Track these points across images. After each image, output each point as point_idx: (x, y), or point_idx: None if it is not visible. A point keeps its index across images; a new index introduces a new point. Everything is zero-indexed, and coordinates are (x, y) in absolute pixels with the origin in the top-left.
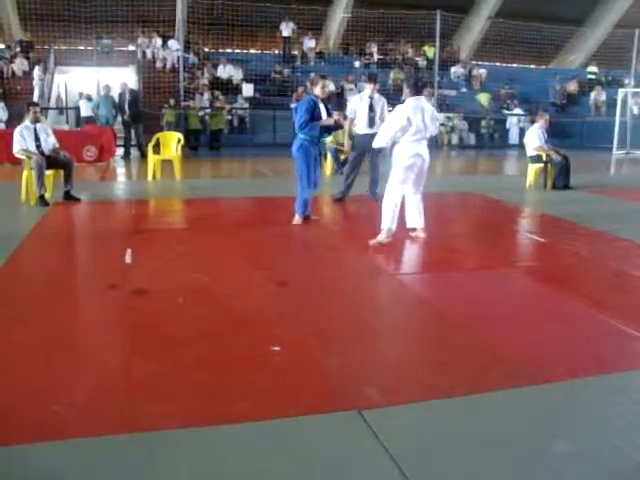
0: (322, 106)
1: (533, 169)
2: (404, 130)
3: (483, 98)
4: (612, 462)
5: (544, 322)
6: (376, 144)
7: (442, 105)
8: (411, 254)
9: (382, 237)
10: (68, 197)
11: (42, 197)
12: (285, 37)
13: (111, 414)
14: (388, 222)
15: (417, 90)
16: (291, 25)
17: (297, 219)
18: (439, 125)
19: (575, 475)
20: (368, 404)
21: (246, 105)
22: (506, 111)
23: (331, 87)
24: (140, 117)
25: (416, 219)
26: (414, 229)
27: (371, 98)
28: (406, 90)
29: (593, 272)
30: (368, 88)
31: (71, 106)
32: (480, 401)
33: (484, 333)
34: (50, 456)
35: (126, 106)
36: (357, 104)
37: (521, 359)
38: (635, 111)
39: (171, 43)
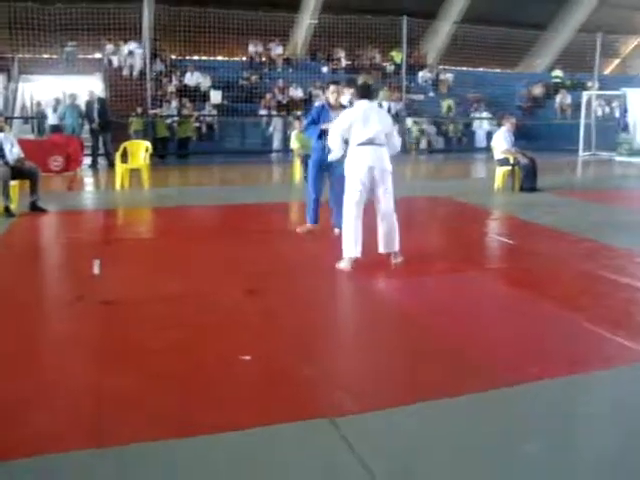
0: (334, 114)
1: (501, 172)
2: (348, 135)
3: (447, 103)
4: (583, 461)
5: (514, 324)
6: (331, 157)
7: (410, 109)
8: (380, 259)
9: (343, 264)
10: (34, 208)
11: (7, 208)
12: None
13: (79, 429)
14: (347, 249)
15: (363, 94)
16: (259, 45)
17: (305, 226)
18: (396, 133)
19: (546, 475)
20: (340, 411)
21: (214, 112)
22: (474, 115)
23: (345, 96)
24: (108, 126)
25: (382, 243)
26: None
27: (351, 102)
28: (354, 93)
29: (561, 273)
30: (348, 92)
31: (36, 115)
32: (452, 405)
33: (454, 336)
34: (17, 474)
35: (95, 114)
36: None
37: (491, 362)
38: (599, 113)
39: (135, 50)
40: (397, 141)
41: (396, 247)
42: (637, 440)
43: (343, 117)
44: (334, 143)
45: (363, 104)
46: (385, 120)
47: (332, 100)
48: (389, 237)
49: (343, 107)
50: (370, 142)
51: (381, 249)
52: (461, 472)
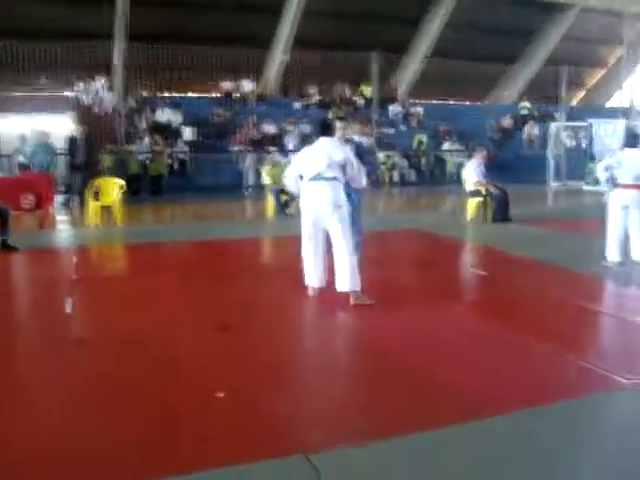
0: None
1: (473, 203)
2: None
3: (418, 138)
4: None
5: (487, 355)
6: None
7: (381, 143)
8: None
9: (310, 293)
10: (5, 246)
11: None
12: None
13: (51, 473)
14: (306, 278)
15: (321, 130)
16: (231, 81)
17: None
18: (357, 165)
19: None
20: (314, 447)
21: (186, 149)
22: (445, 147)
23: (354, 134)
24: (86, 163)
25: (337, 281)
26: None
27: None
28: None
29: (534, 302)
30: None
31: (5, 153)
32: (425, 439)
33: (428, 369)
34: None
35: (81, 151)
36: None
37: (465, 394)
38: (568, 144)
39: (105, 87)
40: (359, 173)
41: (351, 286)
42: (610, 467)
43: (297, 155)
44: (288, 181)
45: (321, 141)
46: (336, 153)
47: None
48: (342, 276)
49: (349, 141)
50: (317, 177)
51: (337, 287)
52: None
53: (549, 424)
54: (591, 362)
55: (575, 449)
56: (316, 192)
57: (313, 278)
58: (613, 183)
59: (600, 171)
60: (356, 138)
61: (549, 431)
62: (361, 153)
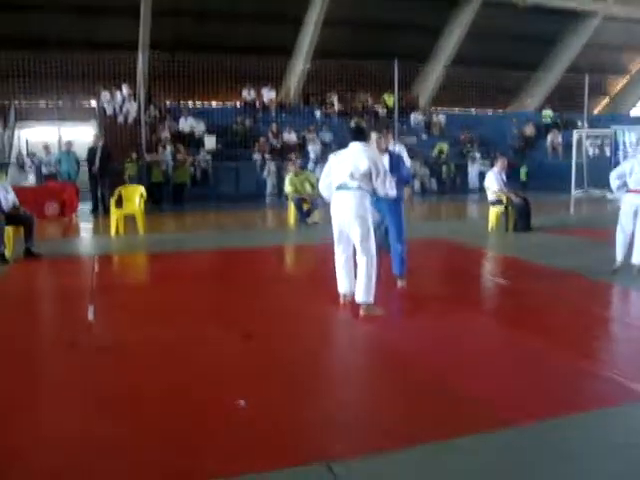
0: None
1: (494, 212)
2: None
3: (439, 147)
4: None
5: (509, 365)
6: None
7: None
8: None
9: (341, 300)
10: (29, 254)
11: (2, 255)
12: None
13: (75, 477)
14: (338, 285)
15: (353, 135)
16: (253, 90)
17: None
18: (383, 173)
19: None
20: (336, 456)
21: (208, 157)
22: (468, 156)
23: (391, 143)
24: (108, 172)
25: (343, 283)
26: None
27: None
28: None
29: (555, 312)
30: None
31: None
32: (446, 448)
33: (451, 378)
34: None
35: (97, 160)
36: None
37: (486, 403)
38: (590, 152)
39: (129, 97)
40: (383, 183)
41: (363, 299)
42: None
43: (329, 161)
44: (321, 188)
45: (351, 147)
46: (361, 161)
47: (377, 147)
48: (358, 287)
49: (388, 152)
50: (341, 187)
51: (355, 298)
52: None
53: (573, 435)
54: (613, 372)
55: (596, 461)
56: (340, 201)
57: (343, 285)
58: (626, 189)
59: (612, 179)
60: (391, 147)
61: (570, 442)
62: (398, 163)
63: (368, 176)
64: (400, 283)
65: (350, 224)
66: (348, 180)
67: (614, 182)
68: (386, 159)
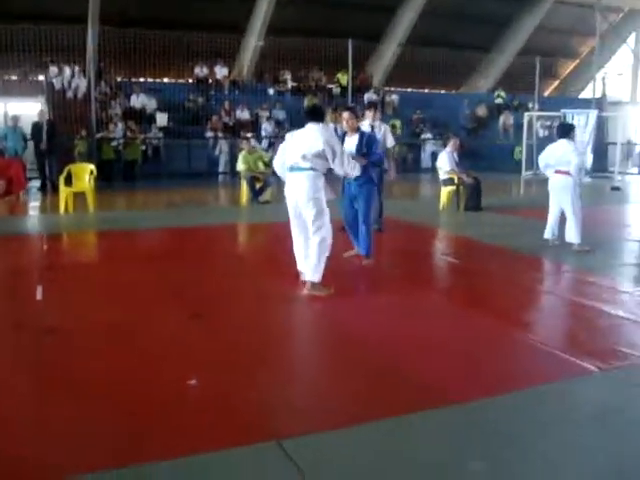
0: (351, 139)
1: (445, 192)
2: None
3: (393, 122)
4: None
5: (459, 342)
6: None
7: None
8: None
9: (301, 278)
10: None
11: None
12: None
13: (16, 465)
14: (298, 264)
15: (309, 115)
16: (205, 67)
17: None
18: (340, 151)
19: None
20: (287, 434)
21: (160, 135)
22: (420, 136)
23: (365, 120)
24: (56, 148)
25: (301, 262)
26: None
27: (372, 127)
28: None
29: (504, 290)
30: (368, 117)
31: None
32: (396, 425)
33: (399, 357)
34: None
35: (44, 136)
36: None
37: (436, 380)
38: (540, 134)
39: (79, 72)
40: (343, 162)
41: (310, 277)
42: (575, 456)
43: (285, 141)
44: (275, 167)
45: (307, 127)
46: (315, 142)
47: (347, 126)
48: (308, 265)
49: (359, 131)
50: (293, 168)
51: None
52: None
53: (519, 411)
54: (558, 349)
55: (541, 435)
56: (292, 183)
57: (300, 264)
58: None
59: (540, 160)
60: (363, 128)
61: (519, 418)
62: (369, 143)
63: (322, 157)
64: (365, 262)
65: (303, 205)
66: (300, 161)
67: (541, 163)
68: (355, 139)
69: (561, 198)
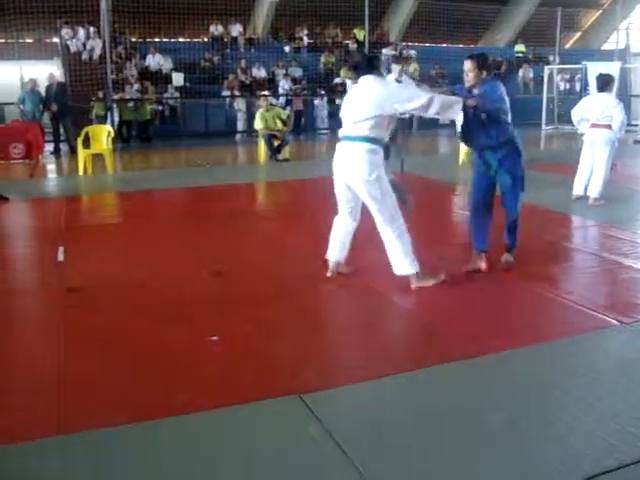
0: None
1: (465, 147)
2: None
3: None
4: (547, 430)
5: (481, 297)
6: None
7: None
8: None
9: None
10: None
11: None
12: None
13: (46, 416)
14: (328, 251)
15: (362, 68)
16: (220, 25)
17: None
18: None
19: (512, 444)
20: (308, 388)
21: (177, 95)
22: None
23: (391, 76)
24: (67, 110)
25: (332, 250)
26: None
27: (398, 81)
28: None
29: (526, 245)
30: (395, 70)
31: None
32: (418, 378)
33: (422, 313)
34: None
35: (53, 99)
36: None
37: (457, 334)
38: (561, 87)
39: (93, 33)
40: (429, 102)
41: (405, 271)
42: (594, 408)
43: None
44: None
45: (360, 83)
46: (363, 102)
47: (468, 79)
48: (392, 259)
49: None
50: (343, 137)
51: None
52: (430, 445)
53: (541, 364)
54: (581, 303)
55: (569, 388)
56: (339, 157)
57: (332, 252)
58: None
59: (573, 114)
60: (349, 82)
61: (540, 371)
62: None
63: (380, 123)
64: (505, 258)
65: (356, 189)
66: (350, 127)
67: (575, 117)
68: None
69: (598, 152)
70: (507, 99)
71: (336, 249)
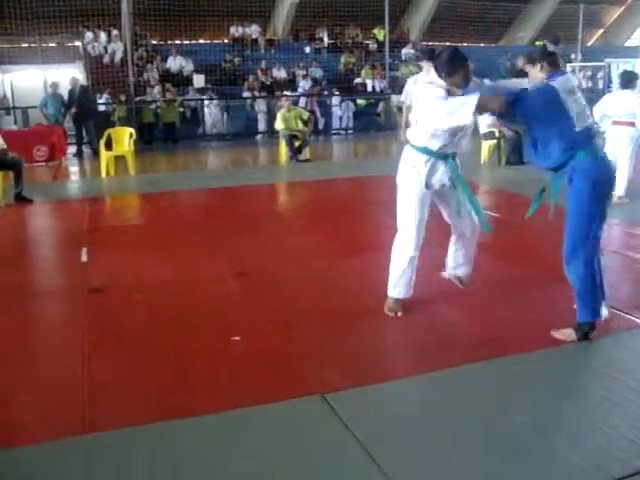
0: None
1: (486, 146)
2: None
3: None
4: (572, 427)
5: (506, 297)
6: None
7: (394, 87)
8: (375, 235)
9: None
10: (19, 199)
11: None
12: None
13: (72, 415)
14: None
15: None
16: (241, 27)
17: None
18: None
19: (539, 443)
20: (331, 388)
21: (198, 96)
22: None
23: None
24: (91, 113)
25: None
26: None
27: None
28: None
29: (549, 245)
30: (426, 67)
31: (18, 105)
32: (442, 378)
33: (447, 311)
34: (9, 462)
35: (75, 102)
36: (412, 87)
37: (483, 333)
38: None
39: (115, 36)
40: (445, 108)
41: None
42: (623, 409)
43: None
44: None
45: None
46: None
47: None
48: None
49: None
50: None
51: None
52: (454, 445)
53: (567, 364)
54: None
55: (587, 389)
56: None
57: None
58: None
59: (595, 111)
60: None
61: (563, 370)
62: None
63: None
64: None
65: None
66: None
67: (597, 114)
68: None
69: (621, 150)
70: (573, 107)
71: None
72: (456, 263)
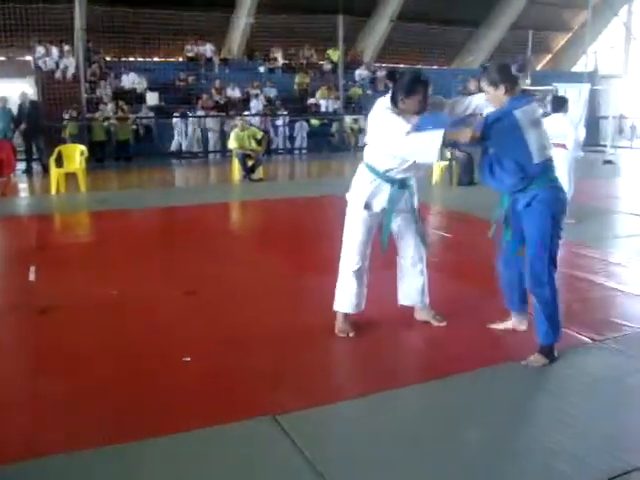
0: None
1: (438, 167)
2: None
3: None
4: (521, 445)
5: (454, 315)
6: None
7: (348, 107)
8: (329, 254)
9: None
10: None
11: None
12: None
13: (17, 438)
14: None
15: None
16: (195, 47)
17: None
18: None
19: (488, 461)
20: (282, 408)
21: (151, 114)
22: None
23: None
24: (40, 129)
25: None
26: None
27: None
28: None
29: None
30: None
31: None
32: (392, 397)
33: (398, 331)
34: None
35: (26, 118)
36: None
37: (434, 352)
38: None
39: (63, 52)
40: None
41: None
42: (565, 424)
43: None
44: None
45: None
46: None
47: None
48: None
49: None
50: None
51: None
52: (403, 464)
53: (514, 382)
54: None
55: (540, 404)
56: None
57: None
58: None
59: None
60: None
61: (514, 387)
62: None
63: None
64: (533, 360)
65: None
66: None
67: None
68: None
69: (557, 171)
70: (533, 141)
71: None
72: (403, 293)
